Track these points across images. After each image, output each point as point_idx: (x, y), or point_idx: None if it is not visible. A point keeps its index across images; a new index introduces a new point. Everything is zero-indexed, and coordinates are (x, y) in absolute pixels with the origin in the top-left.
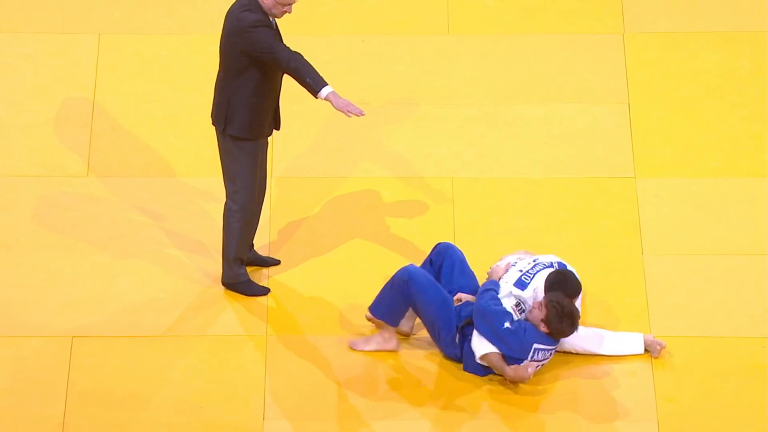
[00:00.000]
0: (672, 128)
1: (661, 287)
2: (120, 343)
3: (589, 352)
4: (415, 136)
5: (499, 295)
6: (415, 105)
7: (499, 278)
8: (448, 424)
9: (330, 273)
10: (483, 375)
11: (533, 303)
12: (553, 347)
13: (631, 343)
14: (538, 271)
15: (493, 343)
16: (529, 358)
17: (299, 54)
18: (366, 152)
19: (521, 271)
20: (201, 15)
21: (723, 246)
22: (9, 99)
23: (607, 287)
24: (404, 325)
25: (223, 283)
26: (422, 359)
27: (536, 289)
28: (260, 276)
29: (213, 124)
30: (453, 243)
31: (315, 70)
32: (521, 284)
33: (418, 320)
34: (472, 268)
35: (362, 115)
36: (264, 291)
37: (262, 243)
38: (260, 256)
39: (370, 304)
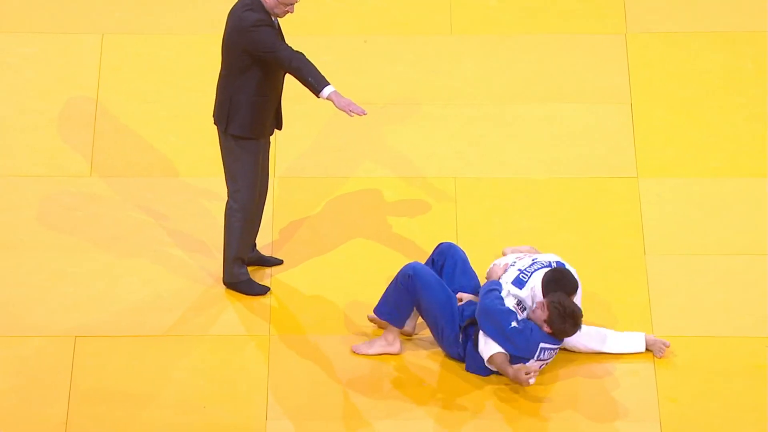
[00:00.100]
0: (674, 128)
1: (663, 287)
2: (123, 342)
3: (591, 349)
4: (417, 136)
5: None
6: (418, 105)
7: (499, 278)
8: (451, 423)
9: (332, 273)
10: (486, 375)
11: (536, 303)
12: (558, 346)
13: (633, 341)
14: (535, 270)
15: (500, 343)
16: (535, 358)
17: (301, 53)
18: (368, 152)
19: (519, 270)
20: (203, 15)
21: (726, 246)
22: (12, 99)
23: (610, 287)
24: (407, 325)
25: (224, 283)
26: (425, 359)
27: (534, 288)
28: (263, 275)
29: (215, 123)
30: (455, 242)
31: (317, 70)
32: (519, 283)
33: (420, 321)
34: (475, 268)
35: (364, 114)
36: (264, 290)
37: (264, 242)
38: (263, 256)
39: (372, 303)
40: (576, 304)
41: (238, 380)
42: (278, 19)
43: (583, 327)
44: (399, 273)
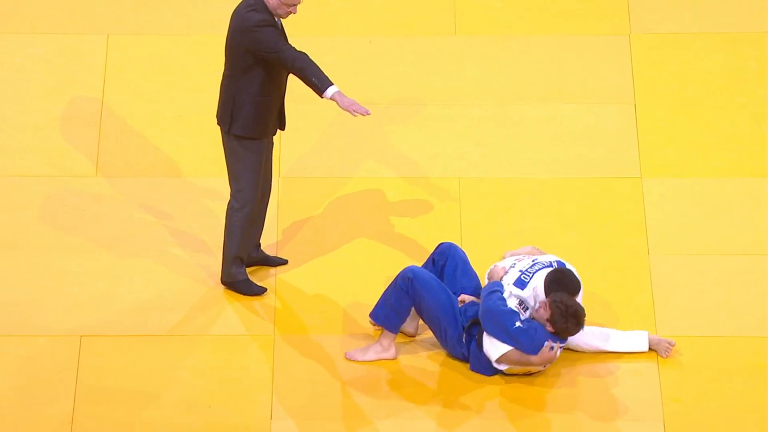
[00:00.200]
0: (678, 129)
1: (667, 287)
2: (128, 342)
3: (594, 348)
4: (421, 136)
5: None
6: (421, 105)
7: (500, 279)
8: (453, 423)
9: (336, 273)
10: (490, 374)
11: (539, 303)
12: (562, 345)
13: (636, 340)
14: (537, 270)
15: (505, 343)
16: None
17: (304, 54)
18: (372, 152)
19: (521, 271)
20: (208, 15)
21: (729, 246)
22: (18, 99)
23: (613, 287)
24: (408, 325)
25: (222, 282)
26: (427, 359)
27: (536, 288)
28: (267, 275)
29: (218, 123)
30: (459, 243)
31: (320, 70)
32: (520, 284)
33: (422, 322)
34: (479, 269)
35: (367, 114)
36: (261, 290)
37: (269, 242)
38: (268, 256)
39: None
40: (579, 303)
41: (242, 380)
42: (282, 19)
43: (585, 326)
44: (398, 276)
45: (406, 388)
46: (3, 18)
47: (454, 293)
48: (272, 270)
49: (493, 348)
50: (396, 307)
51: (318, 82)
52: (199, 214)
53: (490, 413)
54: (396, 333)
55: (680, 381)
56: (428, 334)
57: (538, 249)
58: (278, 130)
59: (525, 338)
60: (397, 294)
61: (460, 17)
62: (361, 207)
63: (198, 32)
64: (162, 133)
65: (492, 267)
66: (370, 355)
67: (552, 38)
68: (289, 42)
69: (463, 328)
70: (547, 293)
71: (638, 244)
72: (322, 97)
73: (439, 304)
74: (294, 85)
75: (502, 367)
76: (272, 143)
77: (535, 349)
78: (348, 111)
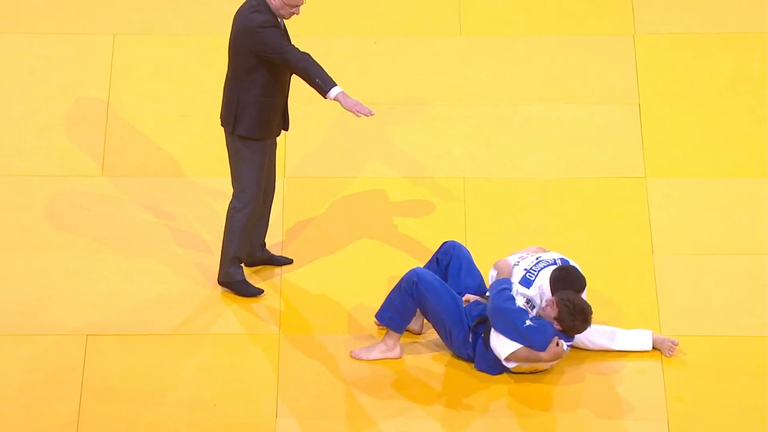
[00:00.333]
0: (682, 128)
1: (671, 287)
2: (134, 341)
3: (599, 346)
4: (425, 136)
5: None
6: (426, 105)
7: (510, 275)
8: (458, 422)
9: (340, 273)
10: (495, 373)
11: (545, 301)
12: (570, 342)
13: (640, 339)
14: (541, 269)
15: (515, 341)
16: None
17: (308, 55)
18: (376, 152)
19: (525, 269)
20: (214, 16)
21: (733, 246)
22: (24, 99)
23: (618, 287)
24: (414, 323)
25: (219, 282)
26: (432, 358)
27: (541, 287)
28: (272, 275)
29: (222, 124)
30: (464, 243)
31: (324, 71)
32: (526, 282)
33: (426, 320)
34: (484, 268)
35: (371, 115)
36: (258, 292)
37: (273, 242)
38: (273, 255)
39: (380, 304)
40: (585, 301)
41: (247, 379)
42: (285, 20)
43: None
44: (402, 279)
45: (411, 388)
46: (9, 18)
47: (459, 292)
48: (277, 270)
49: (503, 346)
50: (400, 310)
51: (322, 83)
52: (204, 214)
53: (495, 413)
54: (401, 333)
55: (684, 380)
56: (433, 334)
57: (542, 248)
58: (282, 131)
59: (535, 336)
60: (402, 297)
61: (465, 18)
62: (366, 207)
63: (203, 33)
64: (168, 134)
65: (498, 261)
66: (375, 354)
67: (557, 39)
68: (294, 43)
69: (469, 327)
70: (553, 291)
71: (642, 243)
72: (325, 98)
73: (443, 306)
74: (298, 85)
75: (511, 365)
76: (276, 144)
77: (545, 347)
78: (351, 111)
